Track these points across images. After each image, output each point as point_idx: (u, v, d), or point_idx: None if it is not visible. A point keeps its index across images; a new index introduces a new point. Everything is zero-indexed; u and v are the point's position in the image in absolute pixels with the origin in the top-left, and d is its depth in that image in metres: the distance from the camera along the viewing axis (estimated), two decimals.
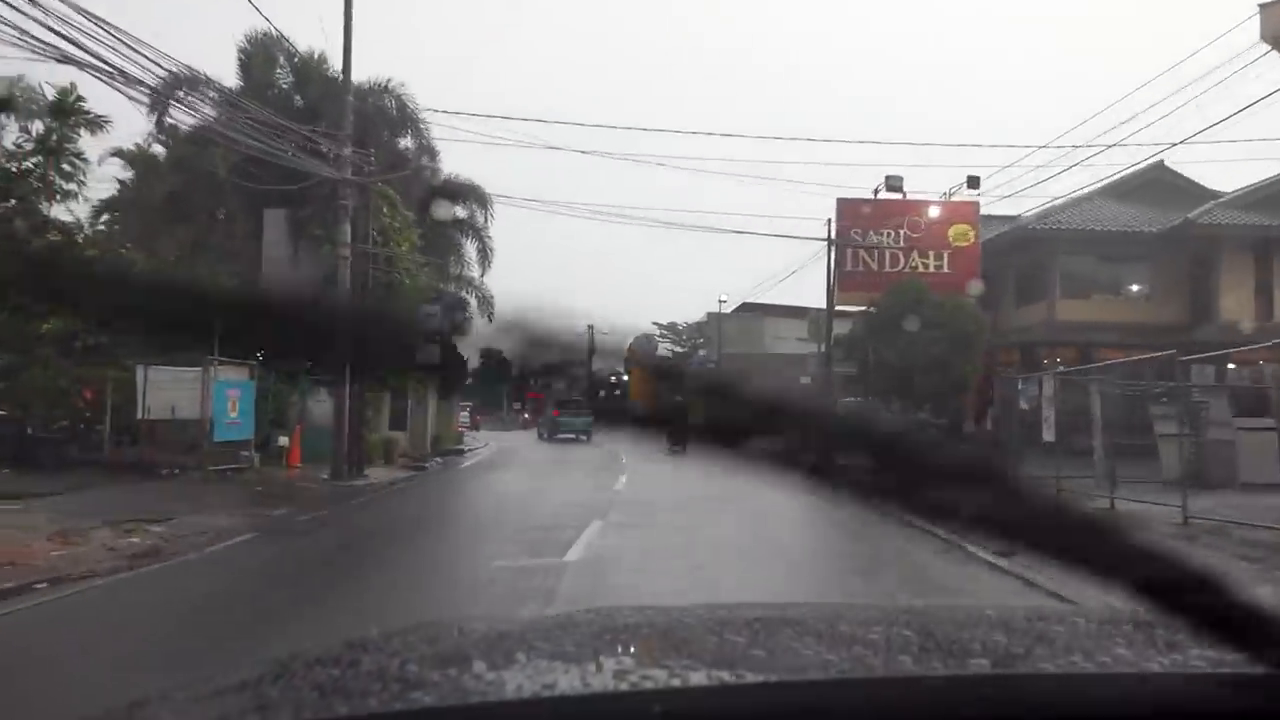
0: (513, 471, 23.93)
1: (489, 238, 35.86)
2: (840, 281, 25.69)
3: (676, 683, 1.01)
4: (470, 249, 35.87)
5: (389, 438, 24.56)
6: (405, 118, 25.62)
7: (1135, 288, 34.03)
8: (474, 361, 1.09)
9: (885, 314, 22.29)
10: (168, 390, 17.68)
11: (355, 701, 1.06)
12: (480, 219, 35.54)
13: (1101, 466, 15.58)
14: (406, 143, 26.58)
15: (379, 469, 21.26)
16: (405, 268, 22.80)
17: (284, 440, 20.14)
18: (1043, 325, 32.98)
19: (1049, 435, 15.18)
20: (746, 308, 51.18)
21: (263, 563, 10.41)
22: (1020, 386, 16.49)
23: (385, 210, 22.31)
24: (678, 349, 59.19)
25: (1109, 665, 1.11)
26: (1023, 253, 32.97)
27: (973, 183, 23.51)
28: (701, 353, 53.31)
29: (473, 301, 36.60)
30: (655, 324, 60.36)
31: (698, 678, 1.05)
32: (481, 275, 36.35)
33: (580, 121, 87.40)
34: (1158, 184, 35.37)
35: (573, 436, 39.41)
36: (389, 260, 21.80)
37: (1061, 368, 18.93)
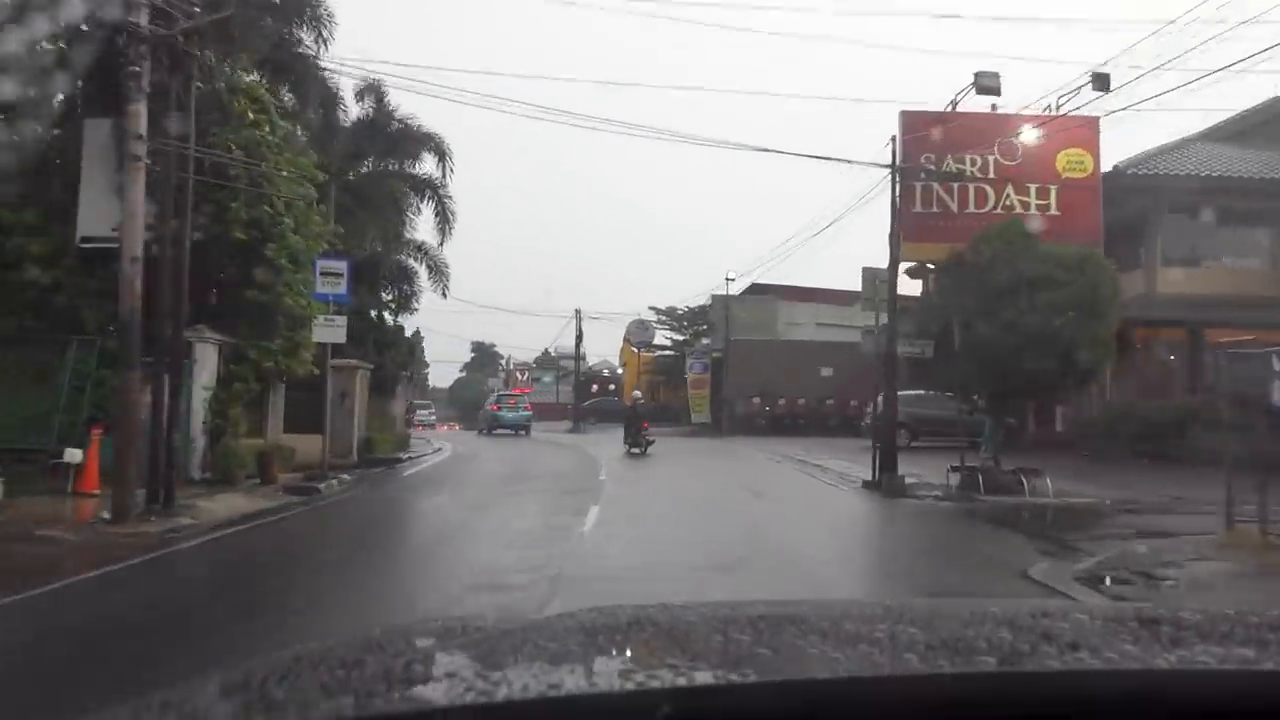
0: (443, 495, 16.85)
1: (449, 198, 29.17)
2: (905, 228, 18.48)
3: (682, 682, 1.01)
4: (427, 210, 29.17)
5: (275, 445, 17.51)
6: (302, 3, 18.55)
7: (1253, 254, 27.13)
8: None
9: (976, 269, 15.23)
10: None
11: (361, 702, 1.03)
12: (436, 171, 28.82)
13: None
14: (308, 43, 19.58)
15: (235, 495, 14.21)
16: (285, 199, 15.69)
17: (76, 454, 13.12)
18: (1139, 300, 26.20)
19: None
20: (756, 289, 44.50)
21: None
22: (1278, 367, 9.44)
23: (251, 114, 15.25)
24: (677, 336, 52.16)
25: (1115, 662, 1.09)
26: (1114, 208, 26.17)
27: (1100, 82, 16.13)
28: (705, 340, 46.42)
29: (422, 271, 29.84)
30: (652, 308, 53.41)
31: (703, 677, 1.06)
32: (441, 242, 29.58)
33: None
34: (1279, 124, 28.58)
35: (511, 432, 39.53)
36: (255, 182, 14.70)
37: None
